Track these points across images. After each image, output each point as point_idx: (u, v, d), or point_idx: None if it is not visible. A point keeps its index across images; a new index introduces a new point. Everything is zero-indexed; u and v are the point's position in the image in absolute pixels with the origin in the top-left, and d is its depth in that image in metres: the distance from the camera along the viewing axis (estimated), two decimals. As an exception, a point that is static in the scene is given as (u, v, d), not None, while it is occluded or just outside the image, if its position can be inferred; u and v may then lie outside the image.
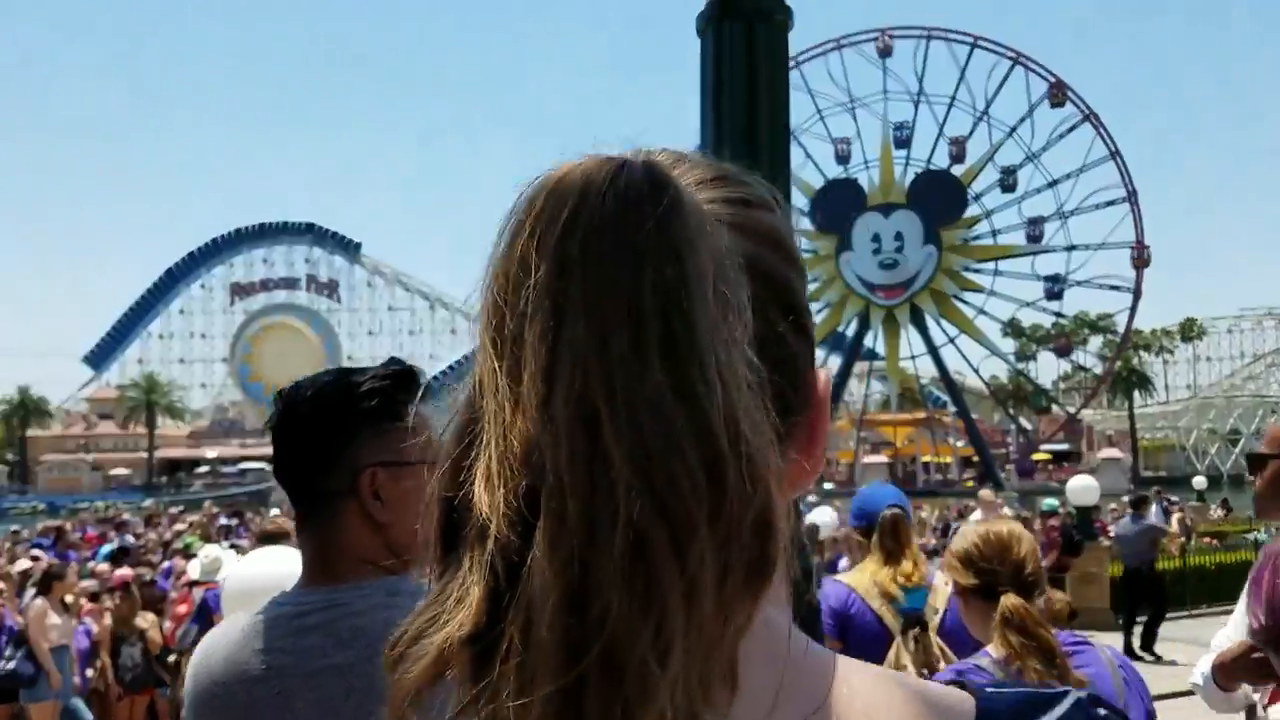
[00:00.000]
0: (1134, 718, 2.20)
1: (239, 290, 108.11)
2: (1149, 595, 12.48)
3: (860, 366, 67.51)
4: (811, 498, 28.76)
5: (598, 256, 0.47)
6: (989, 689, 0.58)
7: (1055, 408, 70.58)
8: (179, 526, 18.88)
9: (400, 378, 1.45)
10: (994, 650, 2.22)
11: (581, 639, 0.43)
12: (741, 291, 0.50)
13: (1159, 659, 11.50)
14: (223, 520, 21.00)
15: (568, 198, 0.48)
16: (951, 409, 67.50)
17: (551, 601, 0.43)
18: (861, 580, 3.47)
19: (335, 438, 1.41)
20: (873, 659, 2.78)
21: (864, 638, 3.32)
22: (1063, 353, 66.23)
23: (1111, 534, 15.65)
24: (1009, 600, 2.21)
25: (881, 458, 61.20)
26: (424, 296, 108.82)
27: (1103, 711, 0.58)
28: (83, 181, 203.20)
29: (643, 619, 0.43)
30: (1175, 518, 19.16)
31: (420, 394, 1.45)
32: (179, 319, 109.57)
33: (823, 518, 13.79)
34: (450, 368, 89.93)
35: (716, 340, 0.47)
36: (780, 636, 0.54)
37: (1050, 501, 16.52)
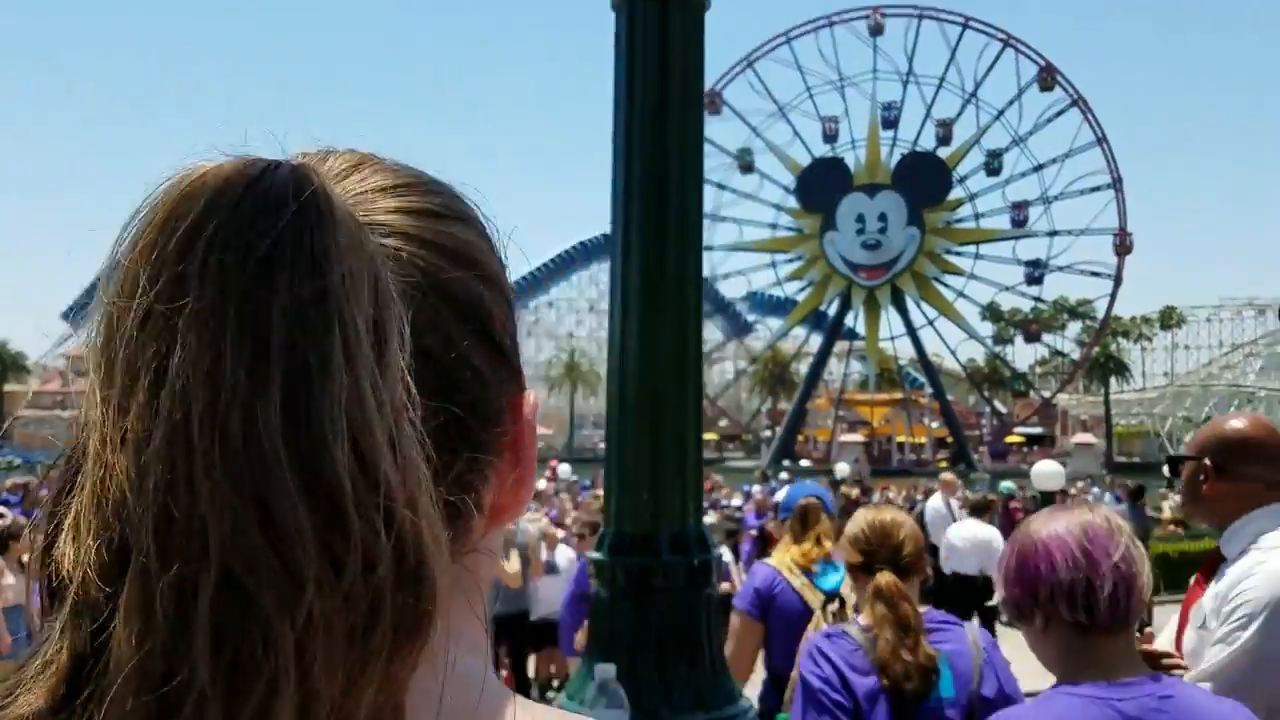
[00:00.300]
0: (986, 692, 2.43)
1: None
2: None
3: (840, 346, 68.00)
4: (784, 475, 29.29)
5: (220, 270, 0.41)
6: None
7: (1031, 392, 71.33)
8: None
9: None
10: (863, 619, 2.52)
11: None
12: (400, 314, 0.45)
13: None
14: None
15: (197, 201, 0.43)
16: (928, 390, 68.19)
17: (127, 675, 0.38)
18: (783, 560, 3.81)
19: None
20: (796, 632, 3.01)
21: (789, 614, 3.57)
22: (1032, 338, 66.90)
23: None
24: (882, 577, 2.51)
25: (857, 437, 61.78)
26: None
27: None
28: (62, 131, 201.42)
29: (239, 698, 0.38)
30: (1167, 505, 19.65)
31: None
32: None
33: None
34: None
35: (359, 370, 0.42)
36: (471, 685, 0.50)
37: (1007, 485, 16.94)
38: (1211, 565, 2.43)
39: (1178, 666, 2.34)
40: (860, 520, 2.70)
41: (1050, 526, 1.74)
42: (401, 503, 0.42)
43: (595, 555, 2.09)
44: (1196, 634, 2.34)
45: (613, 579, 2.03)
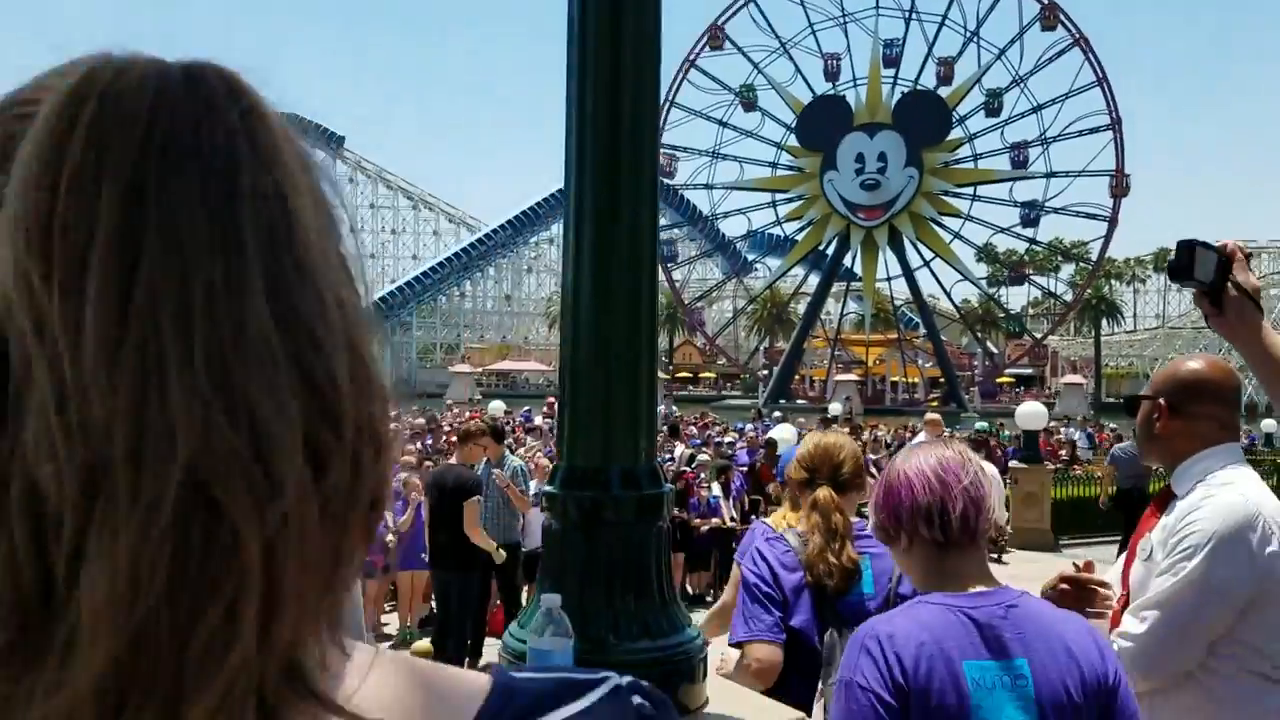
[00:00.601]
0: (903, 590, 2.65)
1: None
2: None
3: (838, 287, 67.93)
4: (777, 414, 29.54)
5: (179, 172, 0.40)
6: (518, 673, 0.55)
7: (1024, 334, 71.45)
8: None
9: None
10: (801, 525, 2.85)
11: (135, 629, 0.37)
12: (336, 209, 0.45)
13: None
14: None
15: (134, 103, 0.41)
16: (922, 331, 68.29)
17: (101, 595, 0.37)
18: (779, 524, 4.11)
19: None
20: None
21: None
22: (1018, 280, 66.77)
23: (1110, 455, 16.38)
24: (821, 491, 2.83)
25: (852, 376, 62.04)
26: (407, 195, 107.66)
27: (640, 700, 0.55)
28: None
29: (206, 601, 0.38)
30: None
31: None
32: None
33: (783, 434, 14.75)
34: (433, 268, 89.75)
35: (330, 264, 0.42)
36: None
37: (982, 424, 17.35)
38: (1162, 502, 2.49)
39: (1104, 592, 2.46)
40: (808, 442, 3.05)
41: (912, 460, 1.98)
42: (380, 409, 0.42)
43: (548, 489, 2.17)
44: (1144, 566, 2.42)
45: (564, 512, 2.11)
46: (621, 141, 2.11)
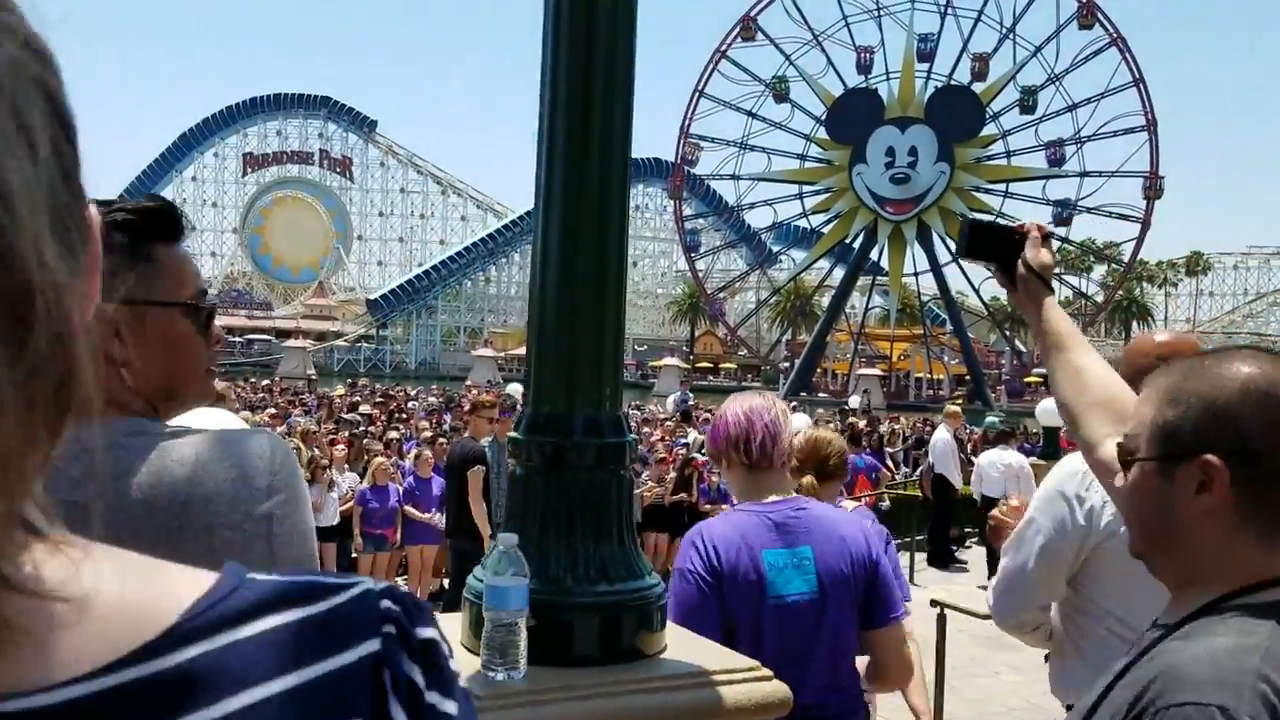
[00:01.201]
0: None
1: (252, 161, 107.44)
2: None
3: (863, 281, 67.65)
4: (794, 404, 29.57)
5: None
6: (262, 576, 0.53)
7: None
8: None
9: (151, 215, 1.35)
10: None
11: None
12: (37, 100, 0.43)
13: None
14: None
15: None
16: (948, 327, 67.88)
17: None
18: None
19: None
20: None
21: None
22: None
23: None
24: (805, 479, 3.36)
25: (875, 371, 61.82)
26: (436, 180, 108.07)
27: (389, 604, 0.54)
28: (97, 44, 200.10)
29: None
30: None
31: (176, 235, 1.39)
32: (191, 185, 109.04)
33: (798, 423, 15.02)
34: (459, 253, 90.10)
35: (11, 152, 0.41)
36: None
37: (991, 419, 17.45)
38: None
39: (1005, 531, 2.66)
40: (800, 438, 3.52)
41: (731, 405, 2.69)
42: (67, 291, 0.43)
43: (513, 434, 2.21)
44: None
45: (528, 456, 2.16)
46: (594, 83, 2.15)
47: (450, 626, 2.20)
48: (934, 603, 5.87)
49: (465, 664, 1.97)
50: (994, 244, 1.97)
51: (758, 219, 74.84)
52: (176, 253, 1.36)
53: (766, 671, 2.11)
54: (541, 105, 2.19)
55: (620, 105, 2.15)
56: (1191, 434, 1.18)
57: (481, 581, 1.96)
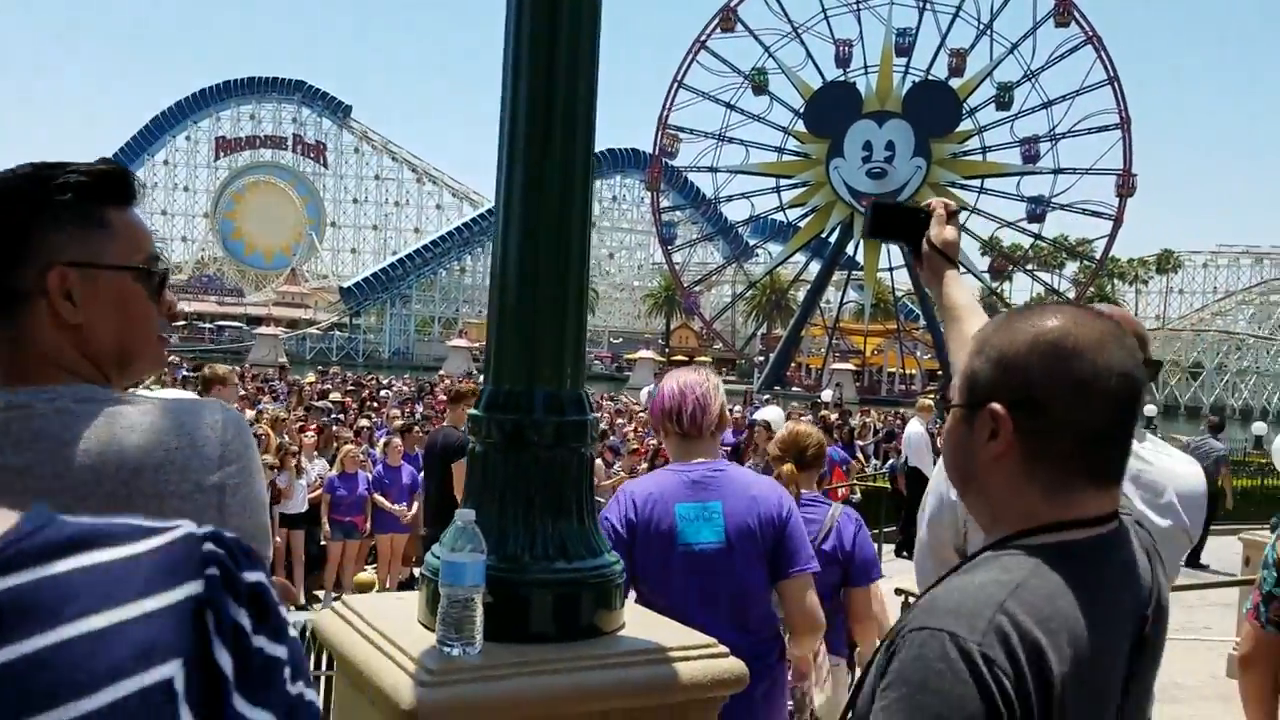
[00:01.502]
0: (825, 546, 3.52)
1: (224, 145, 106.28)
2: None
3: (838, 275, 67.84)
4: (766, 397, 29.66)
5: None
6: (75, 519, 0.51)
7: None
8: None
9: (104, 178, 1.33)
10: None
11: None
12: None
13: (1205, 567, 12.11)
14: (183, 372, 21.53)
15: None
16: (922, 323, 68.25)
17: None
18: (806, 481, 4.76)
19: (21, 231, 1.28)
20: None
21: None
22: (997, 275, 66.56)
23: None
24: (785, 467, 3.73)
25: (848, 365, 62.09)
26: (412, 168, 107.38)
27: (212, 547, 0.53)
28: (69, 26, 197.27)
29: None
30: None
31: (129, 199, 1.38)
32: (163, 169, 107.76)
33: (769, 415, 15.18)
34: (434, 242, 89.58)
35: None
36: None
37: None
38: None
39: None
40: (782, 431, 4.08)
41: (668, 381, 3.00)
42: None
43: (472, 411, 2.20)
44: None
45: (487, 433, 2.14)
46: (557, 68, 2.14)
47: (408, 603, 2.19)
48: (899, 591, 5.92)
49: (422, 639, 1.97)
50: (900, 224, 2.02)
51: (735, 212, 74.93)
52: (129, 216, 1.35)
53: (723, 649, 2.11)
54: (504, 73, 2.17)
55: (584, 77, 2.14)
56: (986, 383, 1.21)
57: (439, 558, 1.95)
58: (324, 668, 4.79)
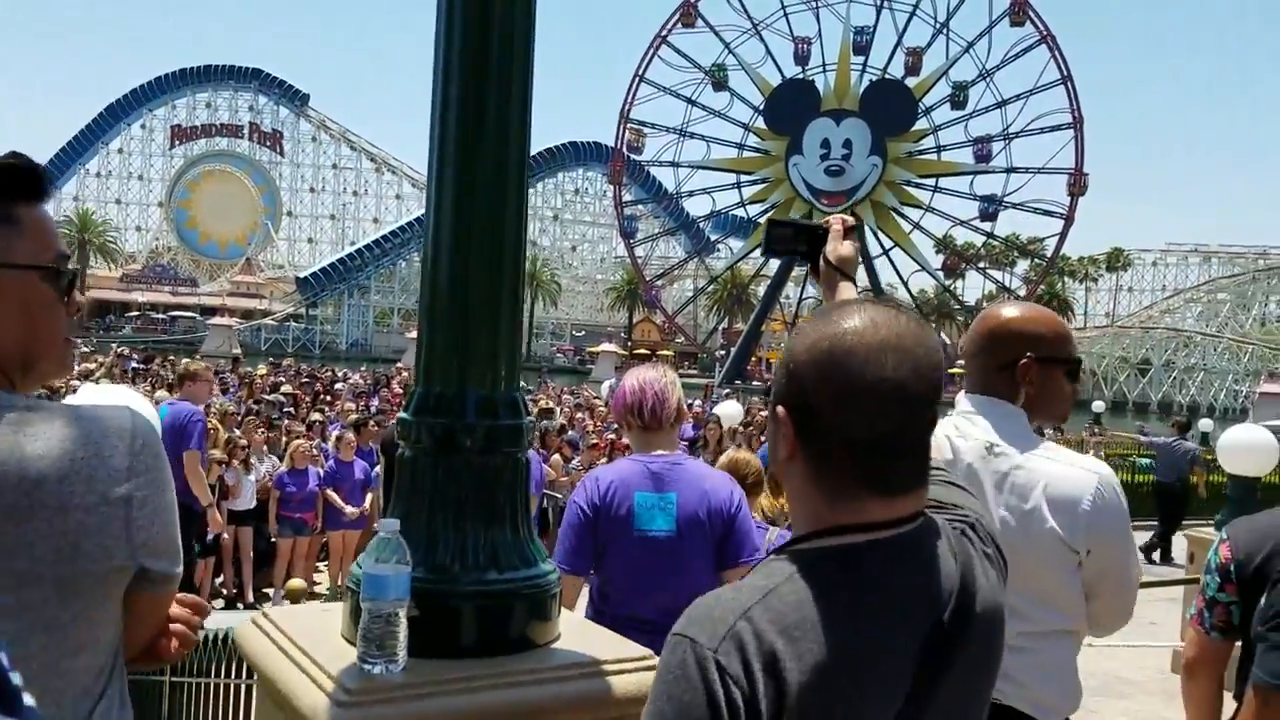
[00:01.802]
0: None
1: (180, 134, 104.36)
2: (1171, 508, 13.35)
3: (798, 271, 68.04)
4: (725, 391, 29.66)
5: None
6: None
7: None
8: (89, 366, 18.92)
9: (12, 173, 1.27)
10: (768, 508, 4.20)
11: None
12: None
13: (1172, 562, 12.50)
14: (133, 364, 21.14)
15: None
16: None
17: None
18: (755, 508, 4.70)
19: None
20: None
21: None
22: (950, 273, 67.29)
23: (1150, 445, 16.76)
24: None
25: (807, 360, 62.35)
26: (371, 157, 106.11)
27: None
28: (22, 11, 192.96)
29: None
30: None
31: (39, 195, 1.31)
32: (117, 158, 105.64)
33: (727, 410, 15.26)
34: (393, 232, 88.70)
35: None
36: None
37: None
38: None
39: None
40: (724, 459, 4.45)
41: (629, 377, 3.23)
42: None
43: (402, 415, 2.12)
44: None
45: (417, 437, 2.06)
46: (489, 71, 2.06)
47: (332, 615, 2.10)
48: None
49: (343, 655, 1.88)
50: (799, 240, 2.10)
51: (696, 207, 75.00)
52: (39, 213, 1.28)
53: (657, 661, 2.05)
54: (435, 75, 2.09)
55: (518, 81, 2.06)
56: (778, 386, 1.20)
57: (361, 568, 1.87)
58: (244, 676, 4.65)
